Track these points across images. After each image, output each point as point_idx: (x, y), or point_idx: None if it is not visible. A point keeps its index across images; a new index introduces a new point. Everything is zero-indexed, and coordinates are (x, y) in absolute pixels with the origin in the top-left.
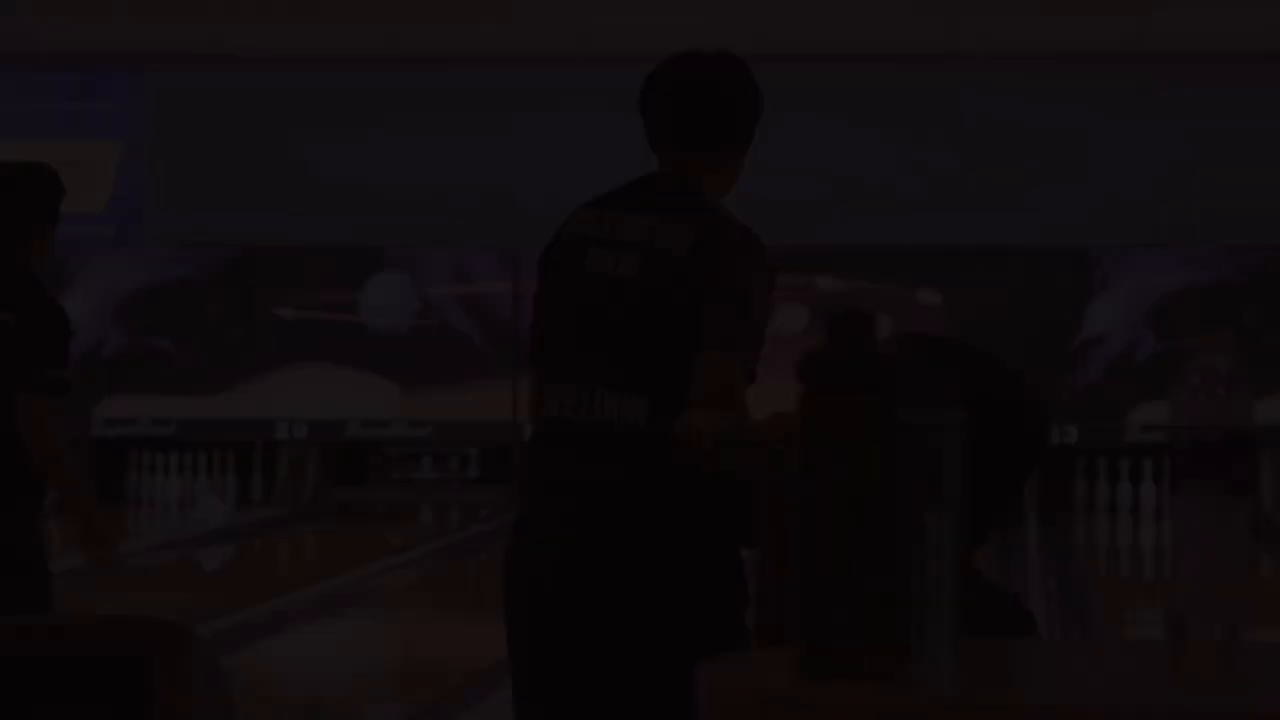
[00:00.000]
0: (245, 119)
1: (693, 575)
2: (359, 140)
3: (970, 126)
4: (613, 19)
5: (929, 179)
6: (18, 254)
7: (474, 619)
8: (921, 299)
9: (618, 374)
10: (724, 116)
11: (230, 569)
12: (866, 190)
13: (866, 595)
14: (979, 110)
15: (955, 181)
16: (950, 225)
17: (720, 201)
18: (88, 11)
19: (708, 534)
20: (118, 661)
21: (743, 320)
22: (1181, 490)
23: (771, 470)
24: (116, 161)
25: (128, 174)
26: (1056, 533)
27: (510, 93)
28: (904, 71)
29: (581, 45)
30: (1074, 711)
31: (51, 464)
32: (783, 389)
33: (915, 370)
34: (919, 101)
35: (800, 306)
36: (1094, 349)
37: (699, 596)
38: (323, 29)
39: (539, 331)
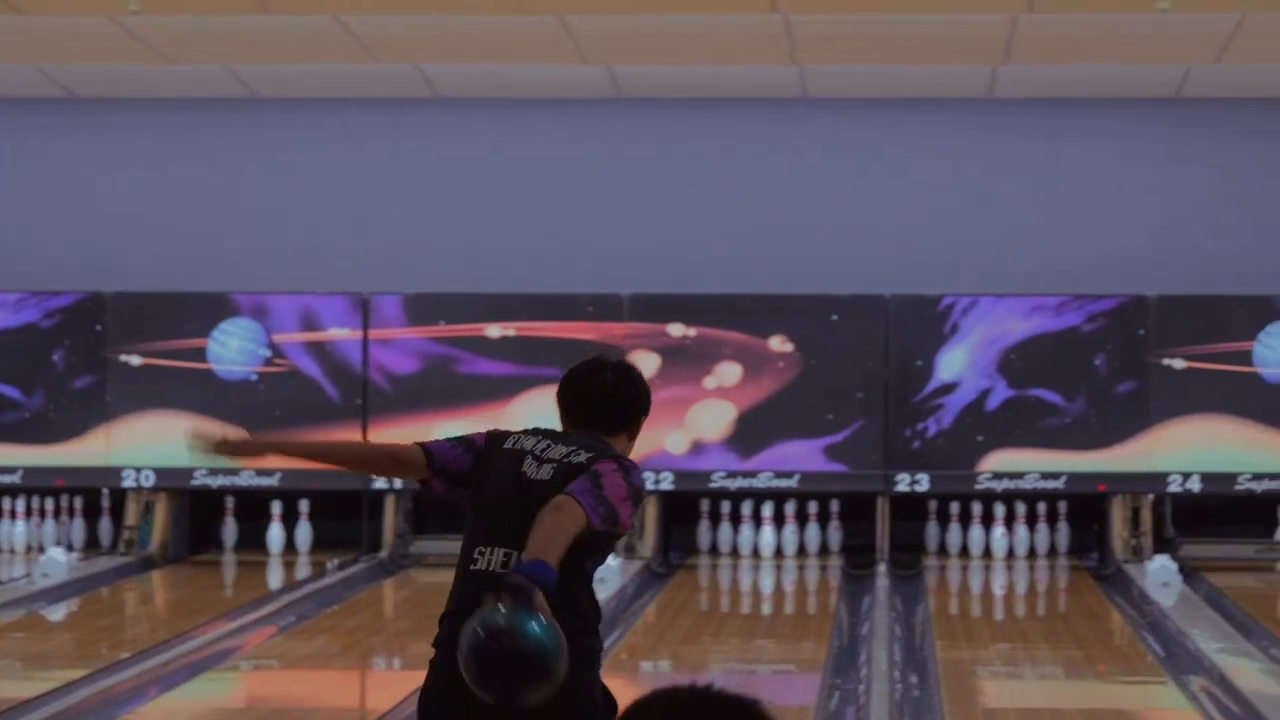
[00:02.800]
0: (94, 163)
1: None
2: (207, 185)
3: (822, 172)
4: (461, 65)
5: (781, 226)
6: None
7: (331, 670)
8: (773, 347)
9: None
10: (623, 417)
11: (77, 621)
12: (718, 238)
13: None
14: (831, 156)
15: (807, 228)
16: (801, 272)
17: None
18: None
19: (592, 670)
20: None
21: (597, 490)
22: None
23: None
24: None
25: None
26: (906, 578)
27: (359, 136)
28: (757, 116)
29: (430, 87)
30: None
31: None
32: (643, 432)
33: None
34: (771, 147)
35: (652, 354)
36: (945, 396)
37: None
38: (168, 71)
39: (447, 448)
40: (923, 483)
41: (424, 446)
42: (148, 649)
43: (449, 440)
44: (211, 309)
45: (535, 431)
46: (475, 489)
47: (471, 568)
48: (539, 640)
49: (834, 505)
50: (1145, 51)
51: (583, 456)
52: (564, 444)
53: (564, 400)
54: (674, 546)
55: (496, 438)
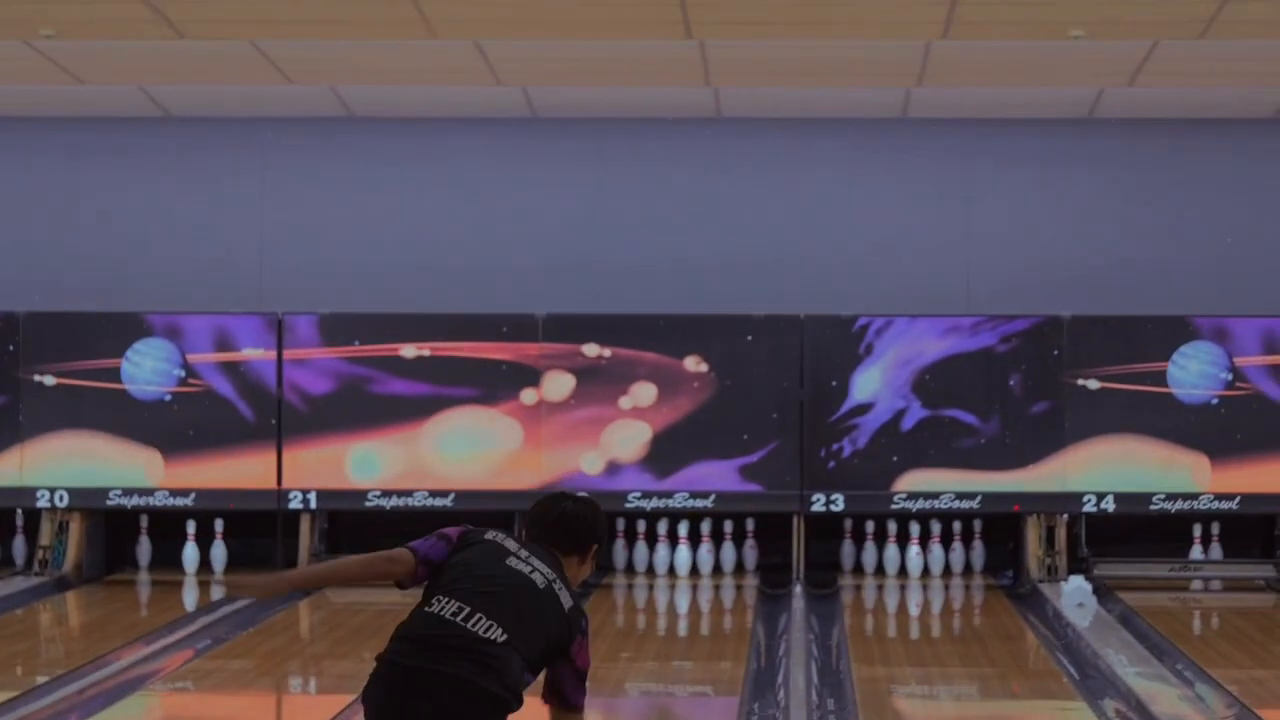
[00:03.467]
0: (5, 182)
1: None
2: (120, 205)
3: (737, 194)
4: (375, 87)
5: (696, 246)
6: None
7: (249, 693)
8: (688, 367)
9: (499, 615)
10: (581, 539)
11: None
12: (633, 258)
13: None
14: (746, 177)
15: (722, 249)
16: (717, 293)
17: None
18: None
19: None
20: None
21: (583, 687)
22: None
23: None
24: None
25: None
26: (822, 597)
27: (274, 157)
28: (672, 137)
29: (345, 108)
30: None
31: None
32: (553, 454)
33: None
34: (686, 168)
35: (567, 375)
36: (860, 417)
37: None
38: (81, 90)
39: (431, 551)
40: (838, 502)
41: (409, 547)
42: (64, 673)
43: (425, 538)
44: (125, 329)
45: (515, 538)
46: (449, 560)
47: (426, 609)
48: None
49: (749, 525)
50: (1058, 75)
51: (565, 600)
52: (544, 563)
53: (530, 522)
54: None
55: (472, 532)
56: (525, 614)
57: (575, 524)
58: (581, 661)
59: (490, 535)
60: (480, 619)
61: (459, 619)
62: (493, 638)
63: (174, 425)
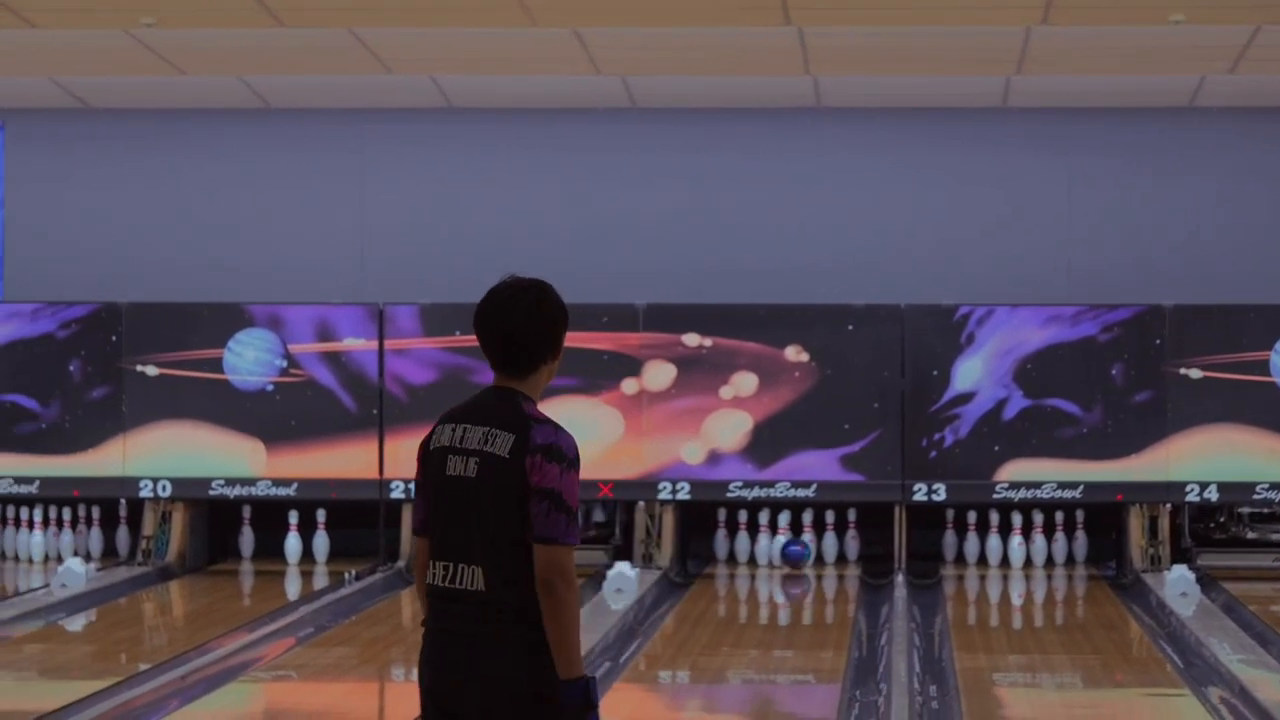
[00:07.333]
0: (108, 173)
1: (530, 683)
2: (221, 196)
3: (837, 182)
4: (475, 76)
5: (796, 235)
6: None
7: (350, 681)
8: (789, 357)
9: (469, 552)
10: (542, 346)
11: (96, 632)
12: (733, 248)
13: None
14: (845, 166)
15: (823, 238)
16: (817, 282)
17: (542, 392)
18: None
19: (536, 659)
20: None
21: (559, 513)
22: None
23: None
24: None
25: None
26: (924, 588)
27: (374, 147)
28: (772, 126)
29: (444, 98)
30: None
31: None
32: (654, 443)
33: None
34: (786, 157)
35: (668, 364)
36: (962, 406)
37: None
38: (182, 82)
39: (423, 514)
40: (940, 492)
41: (415, 532)
42: (167, 660)
43: (416, 503)
44: (227, 319)
45: (450, 416)
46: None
47: (429, 580)
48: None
49: (851, 515)
50: (1159, 62)
51: (502, 444)
52: (480, 423)
53: (482, 343)
54: (691, 556)
55: (423, 449)
56: (483, 516)
57: (520, 355)
58: (537, 479)
59: (432, 442)
60: (461, 570)
61: (448, 583)
62: (477, 587)
63: (276, 415)
